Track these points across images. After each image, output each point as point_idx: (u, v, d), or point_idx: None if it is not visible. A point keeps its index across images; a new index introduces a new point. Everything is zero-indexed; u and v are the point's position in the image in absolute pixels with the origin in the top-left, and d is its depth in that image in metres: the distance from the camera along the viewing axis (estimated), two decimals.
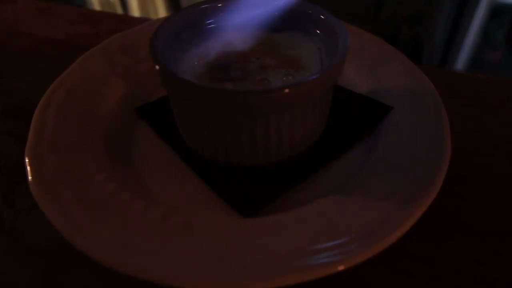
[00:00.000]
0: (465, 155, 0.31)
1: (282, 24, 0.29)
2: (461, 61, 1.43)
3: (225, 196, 0.25)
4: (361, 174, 0.25)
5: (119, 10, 0.76)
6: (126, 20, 0.47)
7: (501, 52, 1.64)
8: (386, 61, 0.33)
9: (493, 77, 0.40)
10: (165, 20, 0.27)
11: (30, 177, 0.24)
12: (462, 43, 1.38)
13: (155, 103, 0.32)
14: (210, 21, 0.29)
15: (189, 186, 0.26)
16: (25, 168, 0.25)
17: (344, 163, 0.27)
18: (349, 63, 0.33)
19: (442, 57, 1.38)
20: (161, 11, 0.71)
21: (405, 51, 0.94)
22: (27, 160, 0.25)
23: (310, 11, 0.28)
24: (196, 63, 0.26)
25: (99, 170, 0.25)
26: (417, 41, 0.96)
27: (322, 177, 0.26)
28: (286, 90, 0.22)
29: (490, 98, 0.37)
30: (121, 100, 0.32)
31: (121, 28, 0.44)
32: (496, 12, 1.50)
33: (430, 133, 0.26)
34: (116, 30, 0.44)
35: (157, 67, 0.24)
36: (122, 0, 0.74)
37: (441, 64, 1.39)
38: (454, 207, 0.27)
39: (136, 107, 0.32)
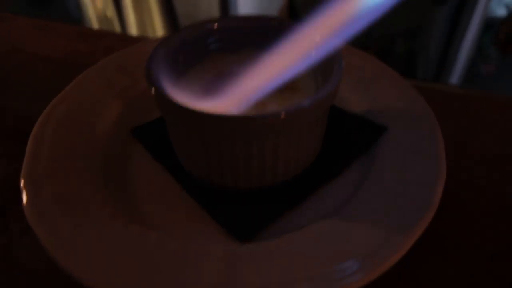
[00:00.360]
0: (462, 175, 0.31)
1: (278, 44, 0.29)
2: (456, 74, 1.45)
3: (221, 220, 0.25)
4: (356, 196, 0.25)
5: (117, 26, 0.76)
6: (124, 39, 0.47)
7: (494, 65, 1.66)
8: (381, 80, 0.33)
9: (489, 94, 0.40)
10: (162, 41, 0.28)
11: (24, 201, 0.24)
12: (456, 56, 1.40)
13: (151, 124, 0.32)
14: (207, 42, 0.29)
15: (184, 210, 0.26)
16: (19, 191, 0.25)
17: (339, 185, 0.27)
18: (344, 82, 0.33)
19: (436, 71, 1.40)
20: (159, 28, 0.72)
21: (399, 65, 0.95)
22: (22, 183, 0.25)
23: (305, 32, 0.28)
24: (192, 85, 0.27)
25: (95, 194, 0.25)
26: (411, 55, 0.98)
27: (317, 200, 0.26)
28: (282, 116, 0.22)
29: (487, 117, 0.37)
30: (118, 121, 0.32)
31: (119, 47, 0.44)
32: (489, 26, 1.53)
33: (425, 155, 0.26)
34: (114, 48, 0.44)
35: (152, 90, 0.24)
36: (120, 16, 0.74)
37: (436, 77, 1.40)
38: (449, 229, 0.27)
39: (132, 128, 0.32)
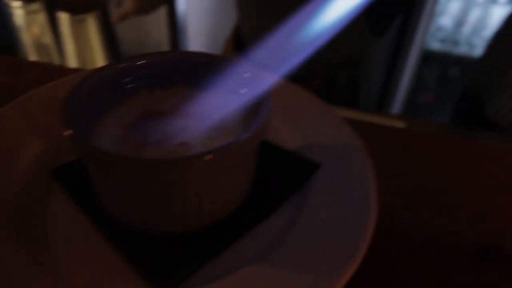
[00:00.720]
0: (396, 210, 0.31)
1: (207, 81, 0.28)
2: (397, 103, 1.52)
3: (143, 269, 0.23)
4: (285, 238, 0.24)
5: (55, 56, 0.73)
6: (52, 70, 0.45)
7: (433, 93, 1.78)
8: (316, 116, 0.34)
9: (425, 128, 0.41)
10: (84, 78, 0.26)
11: None
12: (397, 87, 1.48)
13: (74, 163, 0.29)
14: (131, 79, 0.28)
15: (104, 258, 0.24)
16: None
17: (268, 226, 0.26)
18: (278, 118, 0.33)
19: (379, 101, 1.46)
20: (99, 59, 0.69)
21: (343, 95, 0.98)
22: None
23: (236, 69, 0.28)
24: (114, 125, 0.25)
25: (4, 241, 0.23)
26: (354, 85, 1.01)
27: (245, 243, 0.25)
28: (205, 158, 0.21)
29: (422, 151, 0.38)
30: (37, 161, 0.29)
31: (45, 79, 0.42)
32: (426, 58, 1.64)
33: (356, 193, 0.26)
34: (40, 80, 0.42)
35: (67, 132, 0.22)
36: (58, 44, 0.71)
37: (378, 106, 1.47)
38: (383, 267, 0.27)
39: (53, 168, 0.29)
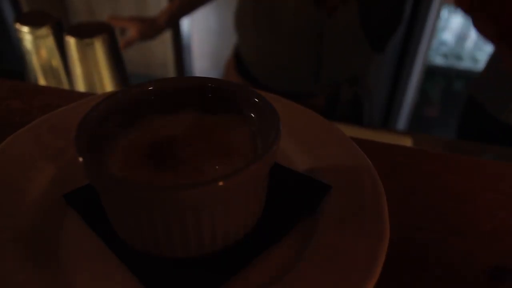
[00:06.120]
0: (408, 230, 0.31)
1: (217, 106, 0.29)
2: (402, 118, 1.52)
3: None
4: (299, 262, 0.24)
5: (63, 79, 0.74)
6: (62, 95, 0.46)
7: (438, 107, 1.78)
8: (325, 138, 0.33)
9: (433, 144, 0.41)
10: (95, 104, 0.26)
11: None
12: (402, 101, 1.48)
13: (85, 189, 0.30)
14: (142, 105, 0.28)
15: (119, 283, 0.24)
16: None
17: (281, 250, 0.26)
18: (288, 140, 0.33)
19: (384, 115, 1.46)
20: (107, 81, 0.70)
21: (347, 111, 0.98)
22: None
23: (244, 93, 0.28)
24: (126, 151, 0.25)
25: (20, 269, 0.23)
26: (357, 101, 1.02)
27: (256, 267, 0.25)
28: (219, 183, 0.21)
29: (432, 170, 0.37)
30: (50, 186, 0.30)
31: (56, 103, 0.43)
32: (430, 73, 1.65)
33: (368, 218, 0.26)
34: (51, 105, 0.42)
35: (80, 159, 0.22)
36: (66, 69, 0.72)
37: (384, 121, 1.47)
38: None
39: (65, 193, 0.29)
